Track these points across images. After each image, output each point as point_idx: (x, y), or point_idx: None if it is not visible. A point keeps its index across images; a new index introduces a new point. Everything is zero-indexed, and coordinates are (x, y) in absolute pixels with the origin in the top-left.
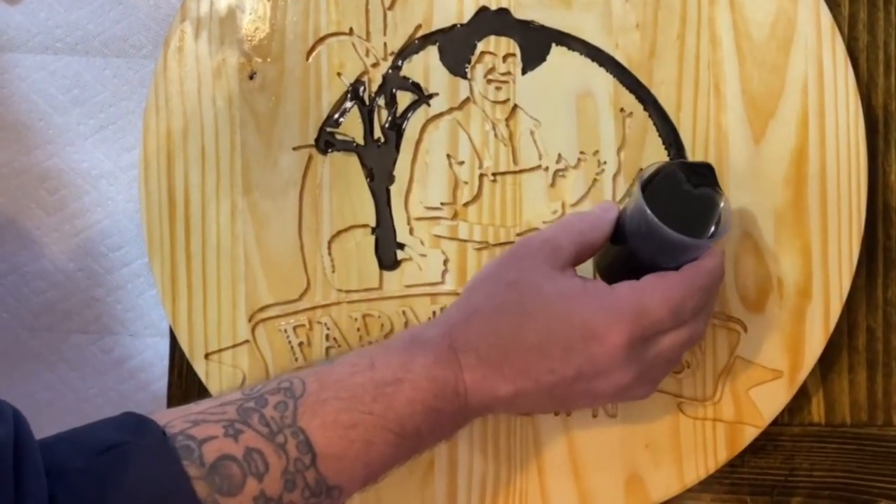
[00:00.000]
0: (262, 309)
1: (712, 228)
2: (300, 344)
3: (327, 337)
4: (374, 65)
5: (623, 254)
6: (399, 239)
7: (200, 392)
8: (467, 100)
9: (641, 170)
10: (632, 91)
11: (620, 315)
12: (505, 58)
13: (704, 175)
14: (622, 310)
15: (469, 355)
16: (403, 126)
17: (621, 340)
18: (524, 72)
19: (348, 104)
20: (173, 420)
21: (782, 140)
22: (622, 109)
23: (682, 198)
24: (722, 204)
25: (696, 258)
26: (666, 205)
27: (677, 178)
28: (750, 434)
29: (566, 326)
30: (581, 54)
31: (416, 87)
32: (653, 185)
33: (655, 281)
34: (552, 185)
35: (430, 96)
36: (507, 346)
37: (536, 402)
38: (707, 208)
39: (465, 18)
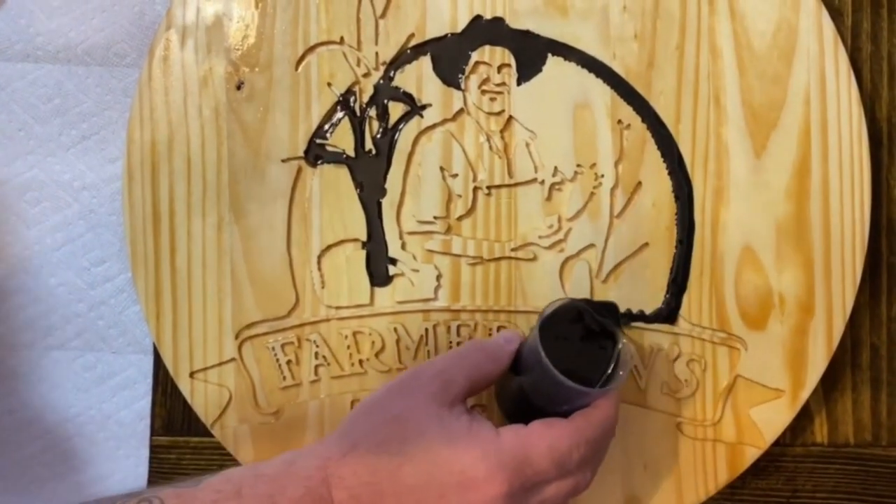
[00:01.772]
0: (249, 326)
1: (608, 375)
2: (288, 362)
3: (316, 355)
4: (366, 75)
5: (520, 387)
6: (391, 254)
7: (185, 411)
8: (461, 111)
9: (545, 307)
10: (630, 102)
11: (502, 464)
12: (500, 68)
13: (608, 316)
14: (504, 458)
15: (343, 492)
16: (395, 138)
17: (501, 491)
18: (519, 82)
19: (339, 115)
20: None
21: (784, 152)
22: (620, 121)
23: (582, 339)
24: (620, 348)
25: (588, 404)
26: (564, 345)
27: (579, 318)
28: (751, 455)
29: (445, 472)
30: (578, 64)
31: (408, 98)
32: (555, 323)
33: (542, 429)
34: (548, 198)
35: (423, 107)
36: (383, 487)
37: None
38: (606, 353)
39: (459, 27)
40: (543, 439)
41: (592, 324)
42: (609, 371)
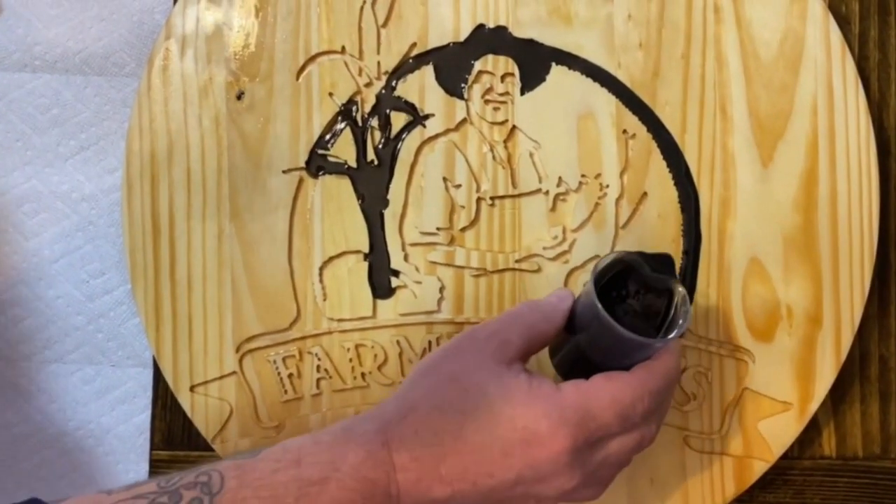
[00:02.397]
0: (250, 339)
1: (667, 325)
2: (290, 375)
3: (318, 368)
4: (367, 84)
5: (576, 346)
6: (393, 265)
7: (185, 425)
8: (464, 121)
9: (598, 259)
10: (635, 112)
11: (564, 419)
12: (503, 77)
13: (664, 267)
14: (566, 414)
15: (403, 455)
16: (398, 148)
17: (564, 446)
18: (523, 92)
19: (340, 125)
20: None
21: (791, 162)
22: (625, 131)
23: (639, 292)
24: (679, 300)
25: (649, 357)
26: (620, 298)
27: (634, 270)
28: (759, 468)
29: (507, 429)
30: (582, 74)
31: (410, 108)
32: (608, 277)
33: (604, 382)
34: (553, 209)
35: (426, 117)
36: (445, 447)
37: None
38: (664, 304)
39: (462, 36)
40: (606, 392)
41: (647, 275)
42: (668, 321)
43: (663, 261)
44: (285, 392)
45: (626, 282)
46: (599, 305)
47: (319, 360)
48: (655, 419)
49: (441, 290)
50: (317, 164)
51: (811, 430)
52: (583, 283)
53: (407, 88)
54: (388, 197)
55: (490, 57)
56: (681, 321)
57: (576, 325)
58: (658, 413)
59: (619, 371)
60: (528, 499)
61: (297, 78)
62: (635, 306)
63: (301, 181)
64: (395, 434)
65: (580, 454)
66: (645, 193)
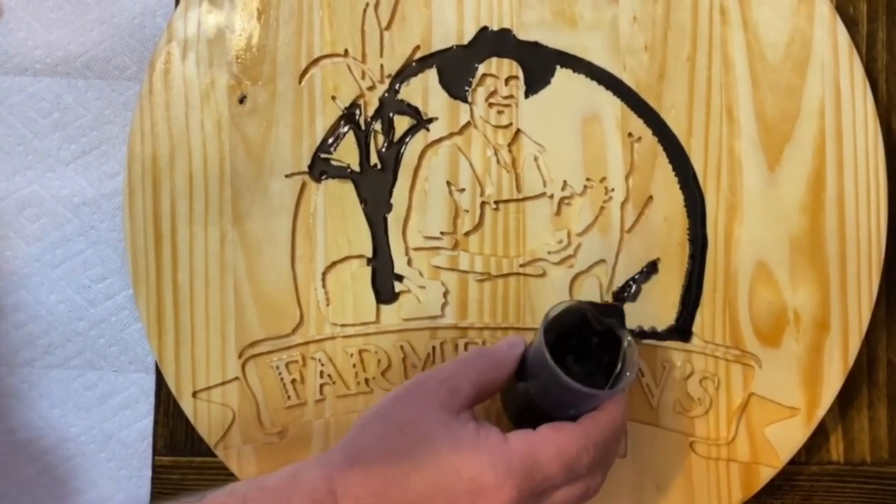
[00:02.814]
0: (252, 344)
1: (615, 376)
2: (293, 381)
3: (321, 374)
4: (371, 88)
5: (526, 393)
6: (397, 270)
7: (188, 431)
8: (468, 124)
9: (549, 310)
10: (640, 115)
11: (511, 470)
12: (507, 80)
13: (614, 317)
14: (513, 464)
15: (350, 502)
16: (401, 152)
17: (510, 497)
18: (527, 95)
19: (343, 129)
20: None
21: (798, 165)
22: (630, 134)
23: (587, 342)
24: (626, 352)
25: (597, 407)
26: (569, 348)
27: (584, 321)
28: (766, 474)
29: (454, 480)
30: (587, 76)
31: (414, 111)
32: (559, 326)
33: (550, 433)
34: (557, 213)
35: (429, 121)
36: (392, 496)
37: None
38: (612, 355)
39: (466, 39)
40: (552, 444)
41: (597, 325)
42: (616, 372)
43: (614, 311)
44: (288, 398)
45: (579, 330)
46: (548, 355)
47: (323, 365)
48: (601, 469)
49: (445, 294)
50: (320, 168)
51: (819, 436)
52: (586, 287)
53: (410, 92)
54: (392, 201)
55: (494, 60)
56: (627, 372)
57: (527, 373)
58: (604, 464)
59: (566, 421)
60: None
61: (300, 81)
62: (587, 355)
63: (304, 185)
64: (342, 482)
65: None
66: (650, 197)
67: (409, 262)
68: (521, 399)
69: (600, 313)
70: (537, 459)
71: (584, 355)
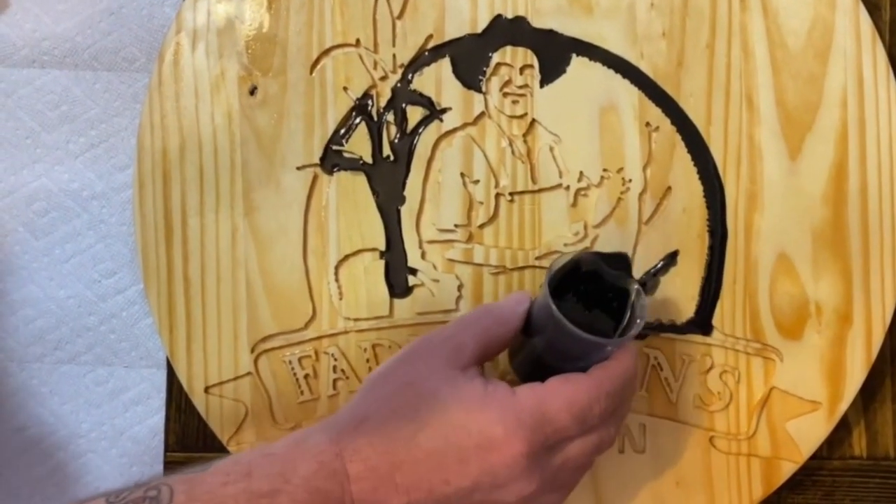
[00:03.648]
0: (265, 339)
1: (624, 325)
2: (306, 376)
3: (335, 368)
4: (383, 78)
5: (534, 348)
6: (410, 263)
7: (200, 427)
8: (482, 114)
9: (553, 262)
10: (658, 104)
11: (520, 423)
12: (522, 69)
13: (619, 266)
14: (522, 417)
15: (358, 465)
16: (414, 143)
17: (521, 451)
18: (542, 84)
19: (355, 120)
20: None
21: (820, 155)
22: (648, 123)
23: (594, 292)
24: (635, 299)
25: (606, 357)
26: (576, 299)
27: (589, 271)
28: (787, 469)
29: (463, 435)
30: (603, 65)
31: (427, 102)
32: (563, 278)
33: (560, 385)
34: (574, 204)
35: (443, 111)
36: (400, 455)
37: None
38: (620, 303)
39: (480, 28)
40: (561, 394)
41: (604, 275)
42: (625, 322)
43: (619, 260)
44: (301, 393)
45: (584, 283)
46: (554, 306)
47: (336, 360)
48: (614, 421)
49: (459, 288)
50: (332, 160)
51: (841, 430)
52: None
53: (423, 82)
54: (405, 193)
55: (508, 48)
56: (637, 320)
57: (533, 328)
58: (617, 414)
59: (575, 373)
60: None
61: (311, 72)
62: (594, 305)
63: (316, 178)
64: (349, 443)
65: (537, 458)
66: (669, 188)
67: (423, 256)
68: (529, 356)
69: (605, 263)
70: (547, 411)
71: (592, 308)
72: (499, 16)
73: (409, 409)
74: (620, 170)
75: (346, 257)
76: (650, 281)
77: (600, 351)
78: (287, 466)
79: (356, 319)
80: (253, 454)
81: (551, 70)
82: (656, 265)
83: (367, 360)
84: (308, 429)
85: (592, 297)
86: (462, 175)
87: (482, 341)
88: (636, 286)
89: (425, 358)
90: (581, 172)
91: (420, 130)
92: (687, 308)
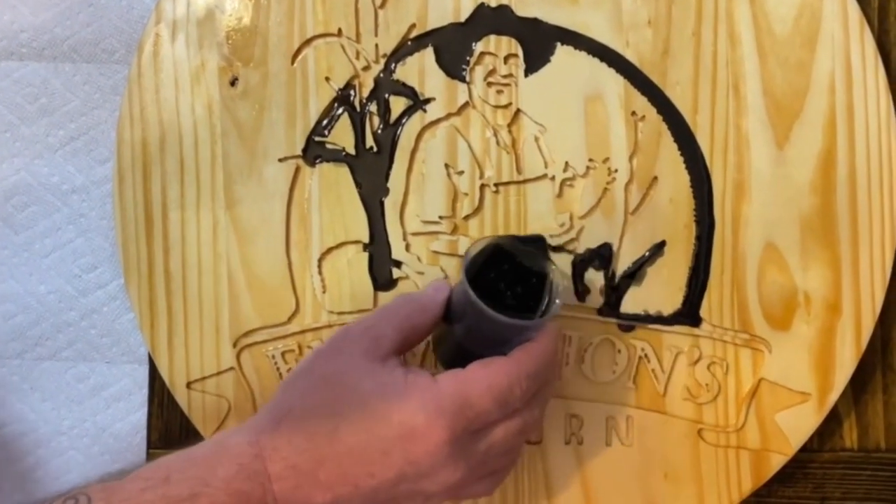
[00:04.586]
0: (247, 333)
1: (543, 308)
2: (289, 371)
3: None
4: (365, 68)
5: (456, 335)
6: (394, 256)
7: (183, 422)
8: (466, 104)
9: (469, 247)
10: (644, 93)
11: (441, 410)
12: (506, 59)
13: (536, 249)
14: (443, 404)
15: (278, 464)
16: (398, 134)
17: (443, 438)
18: (527, 73)
19: (338, 111)
20: None
21: (808, 143)
22: (634, 113)
23: (513, 276)
24: (553, 280)
25: (528, 339)
26: (496, 283)
27: (506, 254)
28: (777, 462)
29: (384, 426)
30: (589, 54)
31: (410, 92)
32: (483, 263)
33: (480, 369)
34: (559, 195)
35: (426, 101)
36: (322, 451)
37: None
38: (537, 285)
39: (463, 16)
40: (482, 379)
41: (520, 258)
42: (544, 304)
43: (535, 243)
44: None
45: (501, 266)
46: (470, 290)
47: None
48: (537, 403)
49: (444, 280)
50: (314, 151)
51: (831, 422)
52: (589, 271)
53: (406, 71)
54: (389, 185)
55: (492, 37)
56: (556, 301)
57: (454, 316)
58: (539, 396)
59: (496, 357)
60: (415, 496)
61: (293, 62)
62: (512, 293)
63: (298, 169)
64: (269, 443)
65: (461, 445)
66: (655, 178)
67: (408, 248)
68: (452, 344)
69: (521, 244)
70: (468, 396)
71: (510, 289)
72: (482, 4)
73: (330, 403)
74: (606, 160)
75: (330, 250)
76: (637, 272)
77: (521, 334)
78: (206, 470)
79: (340, 313)
80: (172, 459)
81: (536, 59)
82: (643, 256)
83: None
84: (228, 430)
85: (513, 283)
86: (446, 166)
87: (402, 331)
88: (552, 266)
89: (344, 350)
90: (567, 163)
91: (403, 121)
92: (674, 299)
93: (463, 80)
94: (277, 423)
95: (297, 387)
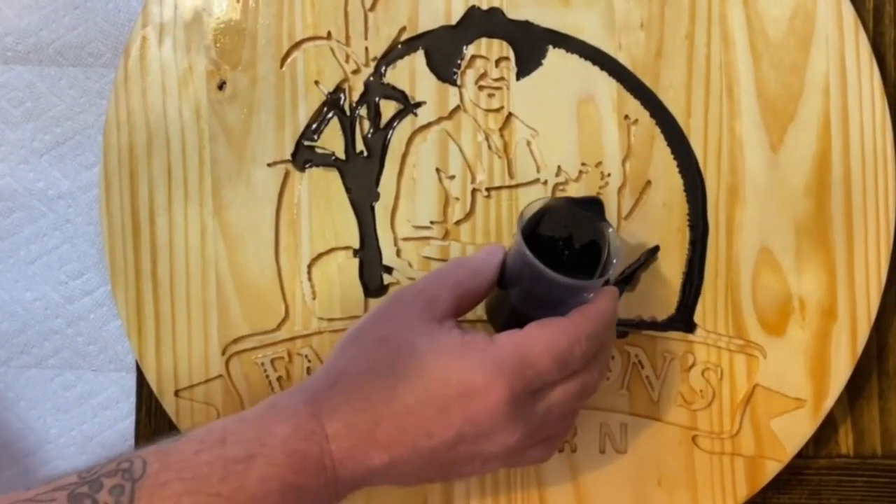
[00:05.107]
0: (236, 340)
1: (601, 268)
2: (279, 378)
3: (308, 370)
4: (355, 71)
5: (511, 299)
6: (385, 261)
7: (171, 431)
8: (457, 108)
9: (524, 209)
10: (637, 96)
11: (500, 369)
12: (498, 62)
13: (592, 211)
14: (502, 363)
15: (335, 423)
16: (388, 138)
17: (502, 396)
18: (519, 77)
19: (327, 115)
20: None
21: (802, 146)
22: (627, 116)
23: (569, 237)
24: (610, 240)
25: (584, 302)
26: (551, 245)
27: (563, 216)
28: (772, 469)
29: (442, 385)
30: (581, 56)
31: (401, 96)
32: (537, 225)
33: (539, 329)
34: None
35: (417, 105)
36: (379, 411)
37: (417, 471)
38: (595, 247)
39: (454, 19)
40: (541, 338)
41: (577, 219)
42: (602, 263)
43: (592, 204)
44: None
45: (558, 227)
46: (527, 250)
47: (310, 361)
48: (596, 365)
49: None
50: (303, 156)
51: (827, 428)
52: None
53: (397, 75)
54: (379, 190)
55: (484, 40)
56: (614, 261)
57: (508, 280)
58: (599, 358)
59: (554, 317)
60: (473, 459)
61: (282, 66)
62: (568, 254)
63: (287, 174)
64: (325, 403)
65: (520, 404)
66: (648, 182)
67: (398, 253)
68: (507, 308)
69: (578, 205)
70: (527, 355)
71: (567, 249)
72: (473, 7)
73: (386, 363)
74: (599, 164)
75: (320, 256)
76: (631, 277)
77: (577, 295)
78: (262, 431)
79: (330, 319)
80: (227, 421)
81: (528, 62)
82: (637, 261)
83: None
84: (281, 393)
85: (569, 245)
86: (437, 170)
87: (456, 294)
88: (610, 228)
89: (399, 313)
90: (559, 167)
91: (394, 125)
92: (668, 304)
93: (454, 83)
94: (333, 383)
95: (351, 349)
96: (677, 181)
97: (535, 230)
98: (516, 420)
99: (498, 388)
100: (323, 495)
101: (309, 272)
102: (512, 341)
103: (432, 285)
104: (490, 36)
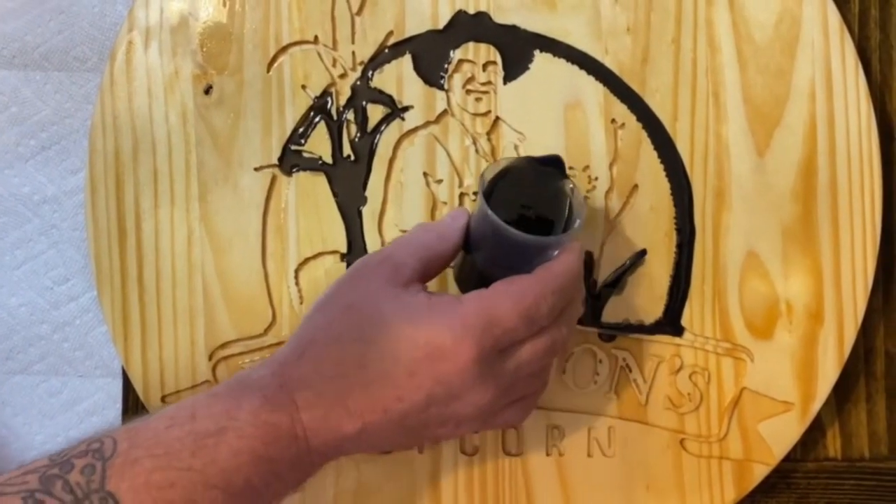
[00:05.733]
0: (223, 345)
1: (564, 225)
2: None
3: None
4: (342, 76)
5: (477, 262)
6: None
7: None
8: (445, 112)
9: (484, 170)
10: (624, 100)
11: (468, 329)
12: (485, 66)
13: (553, 168)
14: (469, 322)
15: (305, 393)
16: (375, 142)
17: (471, 356)
18: (506, 81)
19: (314, 119)
20: None
21: (789, 151)
22: (613, 120)
23: (531, 195)
24: (572, 197)
25: (549, 260)
26: (513, 205)
27: (524, 175)
28: (760, 472)
29: (410, 348)
30: (568, 61)
31: (388, 100)
32: (499, 186)
33: (504, 287)
34: None
35: (404, 109)
36: (348, 378)
37: (391, 437)
38: (557, 204)
39: (441, 24)
40: (507, 296)
41: (538, 177)
42: (563, 219)
43: (552, 161)
44: None
45: (520, 187)
46: (489, 210)
47: None
48: (565, 321)
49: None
50: (290, 160)
51: (815, 431)
52: None
53: (384, 79)
54: (366, 194)
55: (471, 45)
56: (577, 220)
57: (474, 243)
58: (567, 314)
59: (520, 275)
60: (446, 421)
61: (268, 70)
62: (531, 213)
63: (274, 179)
64: (294, 374)
65: (489, 363)
66: (636, 185)
67: None
68: (473, 272)
69: (538, 164)
70: (494, 313)
71: (529, 208)
72: (460, 11)
73: (354, 330)
74: (586, 167)
75: (307, 260)
76: (618, 281)
77: (542, 254)
78: (231, 404)
79: None
80: (197, 398)
81: (515, 66)
82: (624, 264)
83: None
84: (251, 367)
85: (531, 204)
86: (425, 174)
87: (422, 258)
88: (571, 185)
89: (366, 279)
90: None
91: (381, 129)
92: (655, 308)
93: (441, 87)
94: (301, 353)
95: (319, 318)
96: (664, 185)
97: (498, 190)
98: (486, 379)
99: (466, 348)
100: (297, 466)
101: (296, 277)
102: (478, 300)
103: (398, 251)
104: (477, 40)
